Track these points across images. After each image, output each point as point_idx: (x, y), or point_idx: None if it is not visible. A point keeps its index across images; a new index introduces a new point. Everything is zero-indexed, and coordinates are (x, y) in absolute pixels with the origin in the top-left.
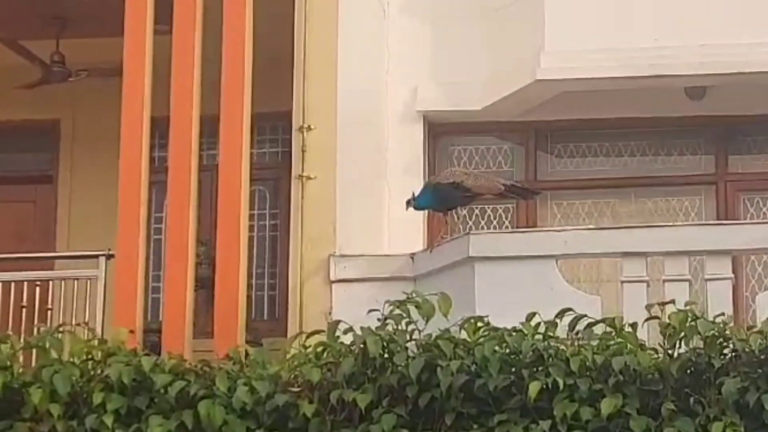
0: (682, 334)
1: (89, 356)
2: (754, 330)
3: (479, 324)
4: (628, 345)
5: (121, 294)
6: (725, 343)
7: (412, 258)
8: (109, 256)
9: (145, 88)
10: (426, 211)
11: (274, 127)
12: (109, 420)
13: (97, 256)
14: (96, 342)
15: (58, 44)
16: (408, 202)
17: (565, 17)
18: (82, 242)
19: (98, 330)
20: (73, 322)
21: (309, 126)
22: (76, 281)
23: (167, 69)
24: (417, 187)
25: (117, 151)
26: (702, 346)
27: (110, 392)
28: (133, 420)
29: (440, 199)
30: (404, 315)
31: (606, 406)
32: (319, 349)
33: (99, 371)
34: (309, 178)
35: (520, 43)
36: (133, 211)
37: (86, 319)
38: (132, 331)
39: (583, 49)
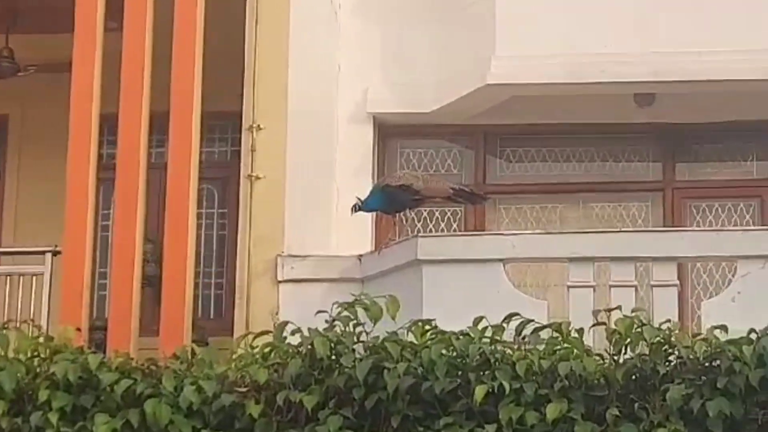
0: (628, 340)
1: (35, 353)
2: (699, 337)
3: (426, 327)
4: (575, 350)
5: (67, 291)
6: (670, 350)
7: (360, 259)
8: (55, 253)
9: (94, 84)
10: (374, 213)
11: (224, 126)
12: (54, 418)
13: (43, 252)
14: (42, 339)
15: (7, 39)
16: (353, 207)
17: (516, 22)
18: (28, 238)
19: (43, 327)
20: (18, 319)
21: (258, 125)
22: (21, 277)
23: (117, 66)
24: (366, 188)
25: (65, 148)
26: (647, 353)
27: (56, 390)
28: (78, 418)
29: (389, 202)
30: (352, 317)
31: (551, 410)
32: (267, 349)
33: (45, 368)
34: (258, 177)
35: (471, 47)
36: (80, 207)
37: (31, 316)
38: (78, 329)
39: (533, 55)
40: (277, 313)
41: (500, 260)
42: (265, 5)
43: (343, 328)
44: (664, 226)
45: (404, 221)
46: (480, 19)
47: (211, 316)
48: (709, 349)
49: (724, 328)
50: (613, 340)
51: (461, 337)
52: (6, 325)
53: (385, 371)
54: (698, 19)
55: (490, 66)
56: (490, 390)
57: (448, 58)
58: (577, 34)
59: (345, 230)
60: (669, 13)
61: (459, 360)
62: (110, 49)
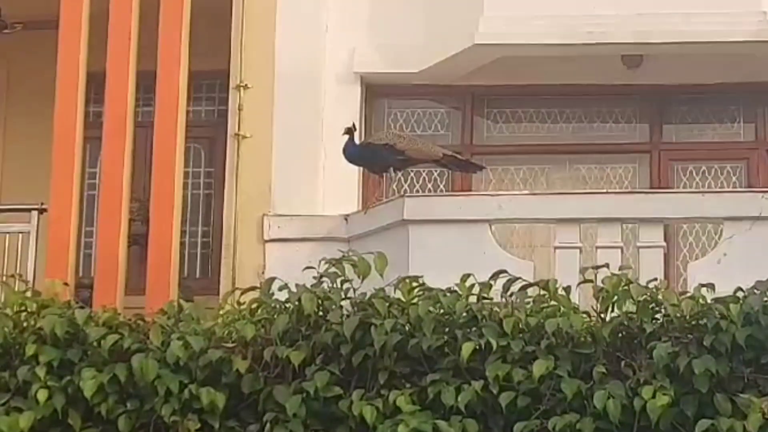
0: (615, 297)
1: (23, 308)
2: (687, 295)
3: (414, 284)
4: (562, 308)
5: (54, 249)
6: (657, 308)
7: (347, 219)
8: (41, 211)
9: (81, 41)
10: (361, 172)
11: (211, 85)
12: (41, 372)
13: (29, 210)
14: (30, 294)
15: None
16: (346, 130)
17: None
18: (14, 196)
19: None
20: (5, 274)
21: (246, 84)
22: (7, 235)
23: (104, 24)
24: None
25: (52, 105)
26: (634, 311)
27: (43, 344)
28: (65, 372)
29: (364, 157)
30: (339, 273)
31: (538, 367)
32: (254, 305)
33: (32, 323)
34: (245, 136)
35: (459, 7)
36: (67, 165)
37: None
38: (66, 284)
39: (521, 15)
40: (262, 272)
41: (487, 221)
42: None
43: (330, 285)
44: (650, 188)
45: (391, 181)
46: None
47: (197, 276)
48: (696, 307)
49: (711, 286)
50: (600, 297)
51: (448, 294)
52: None
53: (373, 328)
54: None
55: (478, 26)
56: (477, 347)
57: (436, 18)
58: None
59: (332, 190)
60: None
61: (446, 317)
62: (97, 6)
